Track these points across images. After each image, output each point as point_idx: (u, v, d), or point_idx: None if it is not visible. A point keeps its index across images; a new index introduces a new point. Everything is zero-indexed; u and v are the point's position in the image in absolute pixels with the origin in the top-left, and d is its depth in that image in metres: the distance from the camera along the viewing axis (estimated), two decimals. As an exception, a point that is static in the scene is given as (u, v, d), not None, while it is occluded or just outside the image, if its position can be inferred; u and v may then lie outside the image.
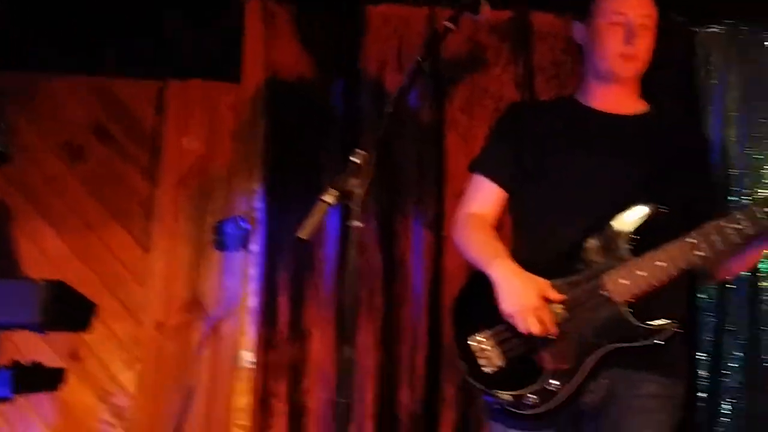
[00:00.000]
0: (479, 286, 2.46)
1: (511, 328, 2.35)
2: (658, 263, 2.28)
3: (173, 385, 4.17)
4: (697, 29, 4.22)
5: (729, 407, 3.99)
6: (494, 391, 2.33)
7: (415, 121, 4.09)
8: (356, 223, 2.10)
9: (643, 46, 2.51)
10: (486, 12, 2.36)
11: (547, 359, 2.31)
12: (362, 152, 2.12)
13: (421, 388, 3.91)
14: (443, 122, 4.11)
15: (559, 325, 2.31)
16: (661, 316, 2.29)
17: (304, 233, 2.03)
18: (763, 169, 4.16)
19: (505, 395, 2.31)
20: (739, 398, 3.95)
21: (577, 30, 2.62)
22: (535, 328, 2.27)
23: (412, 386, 3.91)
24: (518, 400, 2.29)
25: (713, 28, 4.23)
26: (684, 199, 2.45)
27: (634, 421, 2.37)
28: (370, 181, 2.10)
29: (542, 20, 4.15)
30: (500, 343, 2.39)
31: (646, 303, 2.31)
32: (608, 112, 2.57)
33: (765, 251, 2.45)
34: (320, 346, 3.97)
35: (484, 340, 2.40)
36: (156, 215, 4.32)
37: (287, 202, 4.00)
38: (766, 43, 4.22)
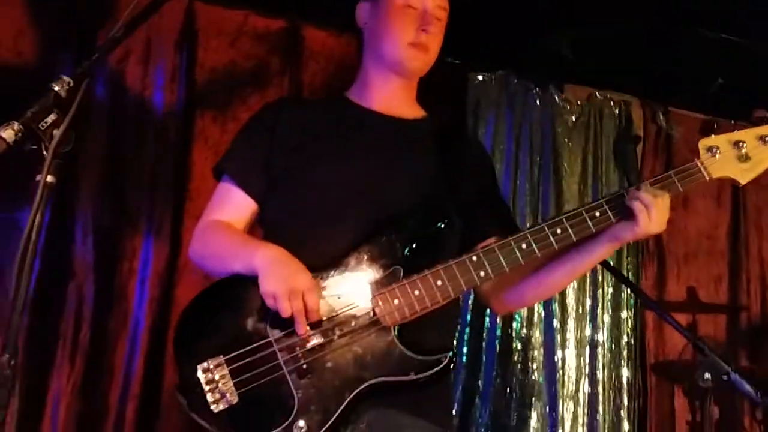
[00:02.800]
0: (213, 302, 1.93)
1: (252, 352, 1.81)
2: (436, 282, 1.87)
3: None
4: (469, 74, 4.08)
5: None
6: (226, 434, 1.76)
7: (155, 128, 3.47)
8: (49, 178, 1.45)
9: (436, 38, 2.13)
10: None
11: (297, 394, 1.79)
12: (67, 79, 1.49)
13: (131, 443, 3.18)
14: (191, 133, 3.53)
15: (313, 350, 1.82)
16: (431, 346, 1.87)
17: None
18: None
19: (239, 441, 1.75)
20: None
21: (362, 10, 2.20)
22: (299, 313, 1.78)
23: (118, 441, 3.17)
24: (256, 447, 1.75)
25: (485, 75, 4.12)
26: (468, 216, 2.09)
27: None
28: (71, 122, 1.48)
29: (316, 37, 3.77)
30: (237, 372, 1.82)
31: (416, 330, 1.88)
32: (385, 113, 2.15)
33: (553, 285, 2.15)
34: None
35: (216, 368, 1.82)
36: None
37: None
38: (537, 101, 4.21)
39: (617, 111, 4.42)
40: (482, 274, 1.89)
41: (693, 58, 4.05)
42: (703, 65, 4.12)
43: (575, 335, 4.12)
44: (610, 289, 4.20)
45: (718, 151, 1.95)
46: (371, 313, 1.87)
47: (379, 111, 2.15)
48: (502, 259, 1.90)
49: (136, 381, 3.20)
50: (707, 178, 1.95)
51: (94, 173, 3.28)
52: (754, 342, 4.51)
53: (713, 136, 1.98)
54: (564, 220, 1.93)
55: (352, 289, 1.89)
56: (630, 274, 4.27)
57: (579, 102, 4.35)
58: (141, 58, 3.47)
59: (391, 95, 2.16)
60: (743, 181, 1.96)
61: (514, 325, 4.00)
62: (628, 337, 4.23)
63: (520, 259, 1.91)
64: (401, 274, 1.90)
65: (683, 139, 4.56)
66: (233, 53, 3.65)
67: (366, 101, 2.17)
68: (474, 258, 1.90)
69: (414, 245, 1.93)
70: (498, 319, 3.93)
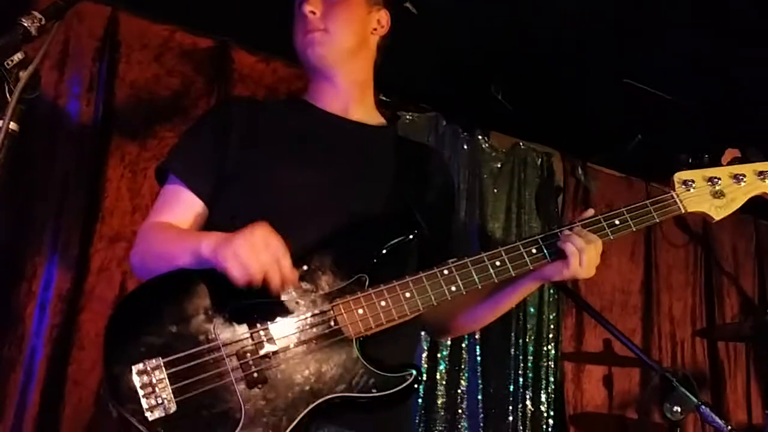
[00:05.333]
0: (153, 297, 1.73)
1: (196, 356, 1.60)
2: (404, 293, 1.73)
3: None
4: (399, 113, 4.02)
5: None
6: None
7: (68, 139, 3.19)
8: (12, 126, 1.28)
9: (325, 17, 1.98)
10: None
11: (244, 406, 1.59)
12: (39, 16, 1.31)
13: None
14: (107, 148, 3.27)
15: (265, 358, 1.62)
16: (395, 363, 1.73)
17: None
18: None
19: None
20: None
21: None
22: (274, 271, 1.57)
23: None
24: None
25: (414, 115, 4.06)
26: (429, 229, 1.97)
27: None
28: (42, 62, 1.30)
29: (245, 60, 3.61)
30: (177, 377, 1.60)
31: (379, 344, 1.75)
32: (345, 117, 2.03)
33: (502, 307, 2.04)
34: None
35: (153, 370, 1.59)
36: None
37: None
38: (465, 145, 4.17)
39: (540, 162, 4.44)
40: (453, 288, 1.79)
41: (614, 113, 4.12)
42: (624, 120, 4.21)
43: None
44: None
45: (693, 185, 1.93)
46: (332, 322, 1.70)
47: (339, 114, 2.03)
48: (474, 275, 1.80)
49: (30, 416, 2.83)
50: (682, 211, 1.92)
51: (-5, 181, 2.95)
52: (663, 398, 4.52)
53: (687, 170, 1.95)
54: (520, 246, 1.83)
55: (313, 294, 1.72)
56: (551, 326, 4.24)
57: (504, 150, 4.35)
58: (56, 62, 3.20)
59: (328, 96, 2.04)
60: (717, 218, 1.94)
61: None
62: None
63: (494, 276, 1.81)
64: (367, 282, 1.75)
65: (600, 194, 4.63)
66: (157, 68, 3.44)
67: (322, 104, 2.04)
68: (446, 271, 1.78)
69: (383, 254, 1.79)
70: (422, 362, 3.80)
